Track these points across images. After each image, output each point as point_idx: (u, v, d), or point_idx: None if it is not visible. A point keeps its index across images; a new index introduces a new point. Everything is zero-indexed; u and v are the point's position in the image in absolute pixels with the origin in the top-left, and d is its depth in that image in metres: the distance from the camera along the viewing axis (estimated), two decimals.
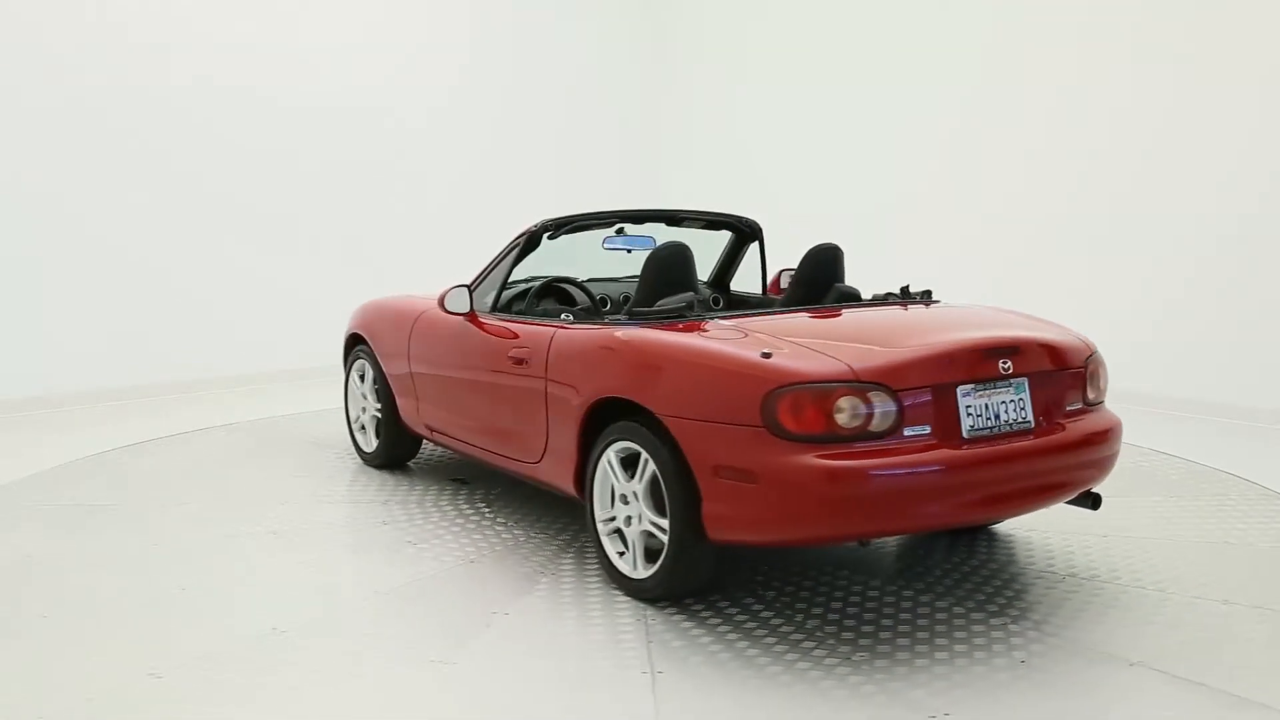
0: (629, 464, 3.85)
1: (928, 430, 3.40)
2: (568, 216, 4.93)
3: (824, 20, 9.31)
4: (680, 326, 3.91)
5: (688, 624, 3.68)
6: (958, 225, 8.33)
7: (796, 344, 3.55)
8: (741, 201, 9.24)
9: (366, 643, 3.55)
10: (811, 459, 3.26)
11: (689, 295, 4.24)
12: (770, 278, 5.60)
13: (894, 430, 3.34)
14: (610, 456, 3.90)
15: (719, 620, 3.71)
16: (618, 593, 3.94)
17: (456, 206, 9.38)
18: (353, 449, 6.02)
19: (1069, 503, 3.91)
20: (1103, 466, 3.87)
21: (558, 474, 4.26)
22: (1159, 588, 3.99)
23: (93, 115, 7.48)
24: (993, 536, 4.63)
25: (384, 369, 5.50)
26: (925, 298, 4.57)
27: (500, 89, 9.63)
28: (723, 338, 3.71)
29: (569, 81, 10.08)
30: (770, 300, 5.35)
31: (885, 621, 3.71)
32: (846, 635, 3.60)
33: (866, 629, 3.65)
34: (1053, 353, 3.80)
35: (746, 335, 3.68)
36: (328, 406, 7.35)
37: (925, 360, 3.49)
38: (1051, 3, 7.82)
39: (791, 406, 3.29)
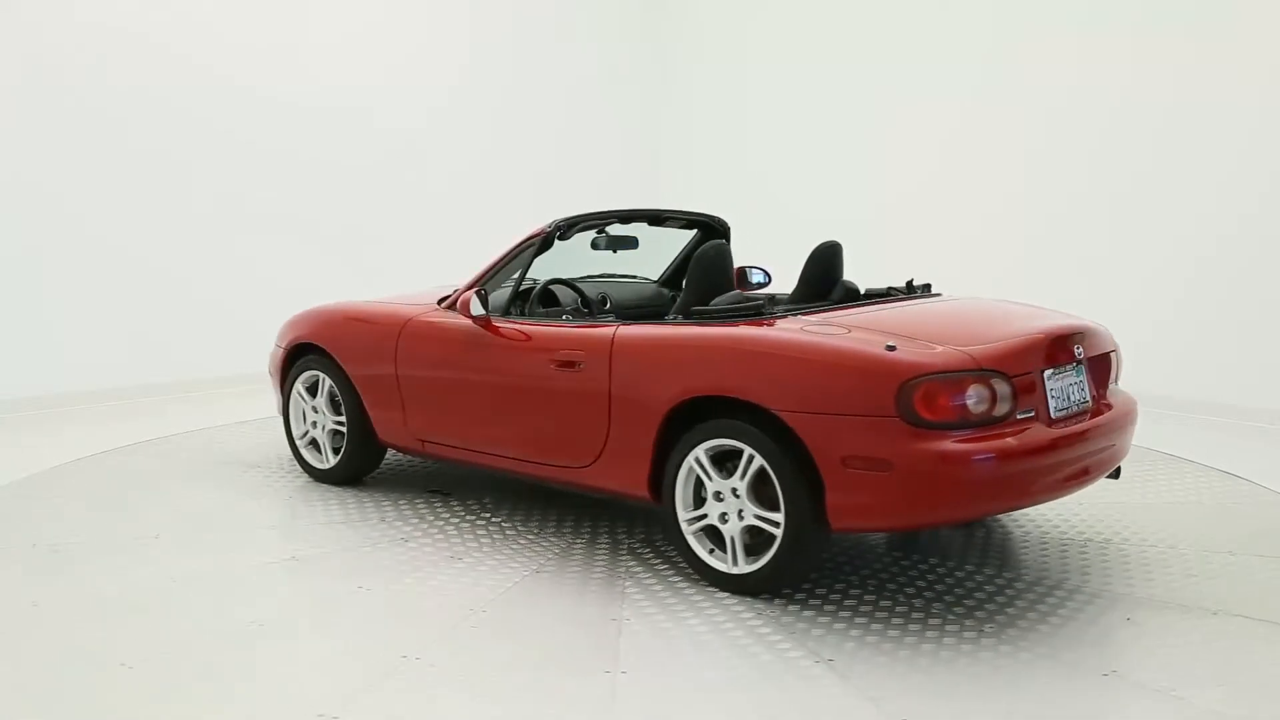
0: (717, 461, 3.93)
1: (1033, 413, 3.72)
2: (578, 216, 4.96)
3: (823, 23, 9.29)
4: (762, 323, 4.01)
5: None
6: (958, 225, 8.31)
7: (902, 337, 3.74)
8: (741, 201, 9.30)
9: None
10: (949, 445, 3.49)
11: (735, 294, 4.40)
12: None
13: (1010, 414, 3.62)
14: (699, 455, 3.95)
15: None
16: (720, 592, 3.97)
17: (456, 206, 9.34)
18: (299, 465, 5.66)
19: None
20: (1131, 440, 4.28)
21: (619, 477, 4.26)
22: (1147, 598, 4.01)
23: (92, 113, 7.47)
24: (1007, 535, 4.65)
25: (352, 380, 5.20)
26: (925, 291, 4.75)
27: (499, 89, 9.62)
28: (833, 333, 3.84)
29: (568, 82, 10.05)
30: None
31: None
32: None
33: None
34: (1098, 339, 4.22)
35: (850, 330, 3.86)
36: None
37: (1027, 347, 3.83)
38: (1050, 3, 7.80)
39: (925, 396, 3.50)
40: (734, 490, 3.87)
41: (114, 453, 6.25)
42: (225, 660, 3.44)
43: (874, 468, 3.55)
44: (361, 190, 8.87)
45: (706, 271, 4.45)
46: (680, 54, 10.62)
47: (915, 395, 3.50)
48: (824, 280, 4.73)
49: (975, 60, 8.23)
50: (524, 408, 4.55)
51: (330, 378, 5.34)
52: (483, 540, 4.61)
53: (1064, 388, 3.88)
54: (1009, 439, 3.59)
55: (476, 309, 4.63)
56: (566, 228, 4.84)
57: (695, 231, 5.65)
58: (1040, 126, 7.88)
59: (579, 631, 3.66)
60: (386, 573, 4.22)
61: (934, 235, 8.40)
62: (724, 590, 3.97)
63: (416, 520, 4.90)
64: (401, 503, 5.16)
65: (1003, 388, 3.61)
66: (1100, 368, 4.19)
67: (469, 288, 4.92)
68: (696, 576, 4.10)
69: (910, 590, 4.02)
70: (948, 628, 3.66)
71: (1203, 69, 7.00)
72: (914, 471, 3.50)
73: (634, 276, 5.77)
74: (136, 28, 7.60)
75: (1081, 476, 3.89)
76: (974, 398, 3.54)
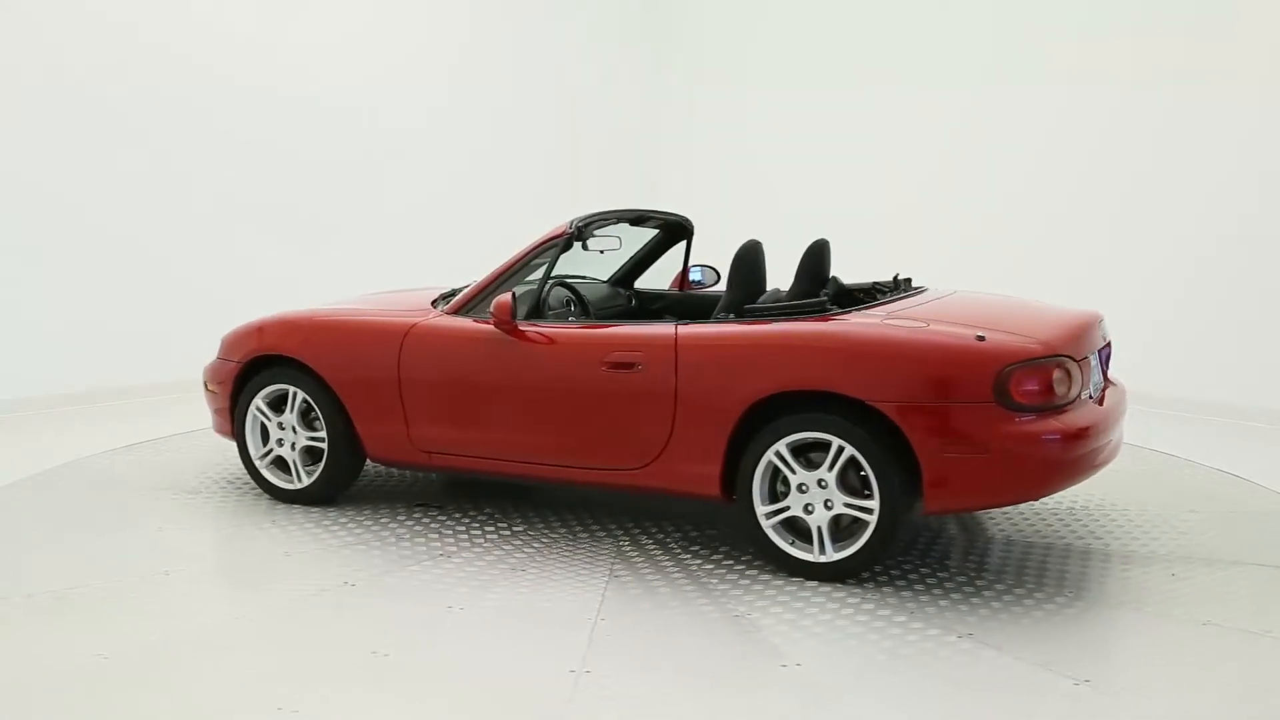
0: (797, 454, 4.05)
1: (1089, 395, 4.11)
2: (591, 215, 4.93)
3: (823, 23, 9.25)
4: (832, 319, 4.18)
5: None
6: (958, 226, 8.22)
7: (975, 328, 3.99)
8: (741, 201, 9.47)
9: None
10: (1044, 425, 3.81)
11: (774, 290, 4.59)
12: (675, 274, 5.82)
13: (1078, 396, 3.98)
14: (780, 449, 4.03)
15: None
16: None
17: (455, 206, 9.13)
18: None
19: None
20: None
21: (681, 477, 4.28)
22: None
23: (90, 112, 7.33)
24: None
25: (337, 392, 4.89)
26: (908, 285, 4.93)
27: (498, 89, 9.48)
28: (916, 327, 4.07)
29: (566, 81, 9.94)
30: (691, 295, 5.67)
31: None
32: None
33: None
34: (1104, 328, 4.59)
35: (927, 323, 4.09)
36: None
37: (1080, 333, 4.19)
38: (1049, 7, 7.77)
39: (1019, 381, 3.80)
40: (820, 481, 4.00)
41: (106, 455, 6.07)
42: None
43: (972, 451, 3.81)
44: (361, 190, 8.74)
45: (752, 270, 4.56)
46: (679, 54, 10.53)
47: (1010, 381, 3.79)
48: (817, 276, 4.87)
49: (975, 61, 8.20)
50: (568, 412, 4.47)
51: (304, 391, 4.98)
52: (476, 541, 4.61)
53: (1091, 373, 4.23)
54: (1086, 417, 3.95)
55: (518, 313, 4.51)
56: (583, 226, 4.78)
57: (656, 232, 5.70)
58: (1040, 127, 7.83)
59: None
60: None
61: (934, 236, 8.34)
62: (809, 579, 4.08)
63: (410, 525, 4.86)
64: (384, 517, 4.98)
65: (1075, 371, 3.96)
66: (1104, 356, 4.52)
67: (480, 291, 4.79)
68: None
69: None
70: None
71: (1203, 69, 6.94)
72: (1012, 452, 3.80)
73: (584, 276, 5.75)
74: (136, 26, 7.50)
75: (1107, 457, 4.22)
76: (1058, 381, 3.86)
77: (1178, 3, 7.17)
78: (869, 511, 3.94)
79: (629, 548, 4.52)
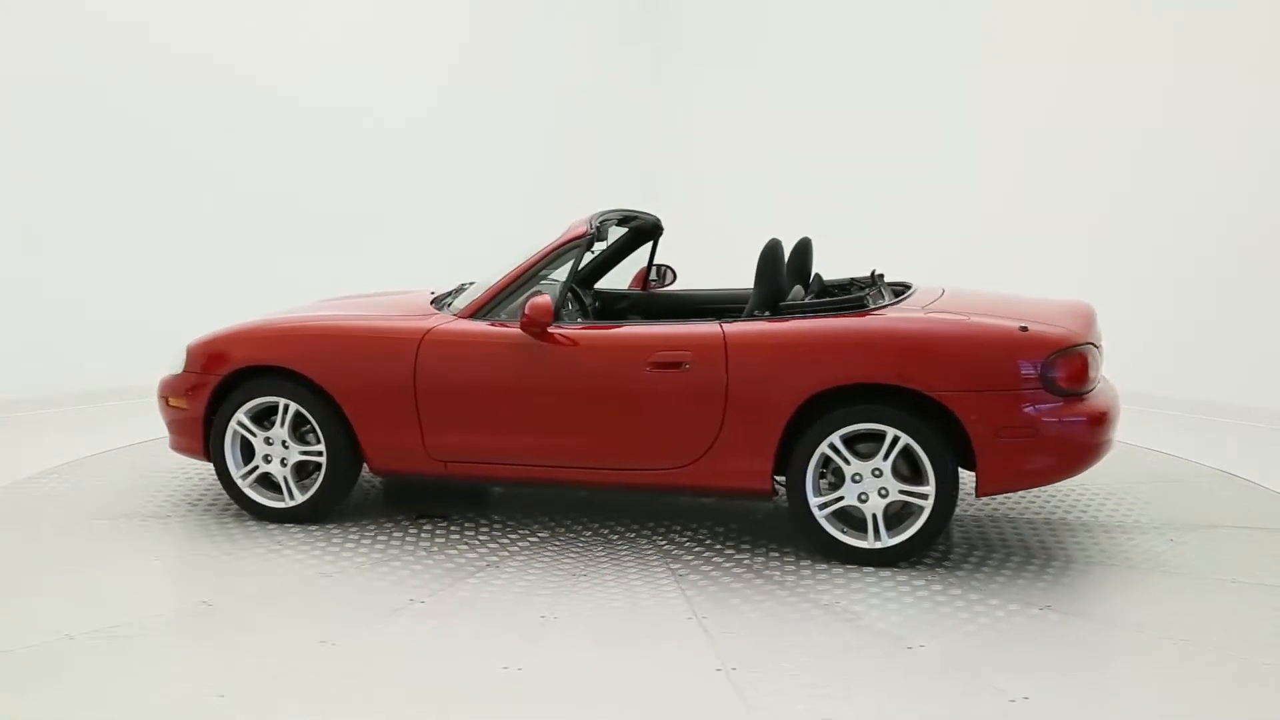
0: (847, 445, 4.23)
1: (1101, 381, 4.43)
2: (605, 212, 4.91)
3: (822, 24, 9.20)
4: (869, 314, 4.37)
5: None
6: (955, 225, 8.23)
7: (1013, 320, 4.25)
8: (740, 201, 9.47)
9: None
10: (1080, 408, 4.14)
11: (798, 289, 4.73)
12: (634, 274, 5.91)
13: (1098, 380, 4.32)
14: (834, 441, 4.19)
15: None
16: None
17: (454, 206, 9.09)
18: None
19: None
20: None
21: (728, 473, 4.35)
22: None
23: (90, 112, 7.28)
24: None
25: (341, 403, 4.61)
26: (881, 280, 5.11)
27: (497, 89, 9.35)
28: (961, 319, 4.31)
29: (564, 81, 9.79)
30: (655, 295, 5.77)
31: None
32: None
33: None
34: None
35: (968, 315, 4.34)
36: None
37: (1093, 323, 4.50)
38: (1046, 6, 7.78)
39: (1063, 367, 4.11)
40: (875, 470, 4.18)
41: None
42: (319, 679, 3.32)
43: (1023, 435, 4.10)
44: (361, 189, 8.63)
45: (777, 268, 4.64)
46: (678, 54, 10.39)
47: (1055, 367, 4.11)
48: (802, 273, 5.07)
49: (972, 61, 8.19)
50: (608, 413, 4.43)
51: (298, 404, 4.67)
52: (510, 548, 4.51)
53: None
54: (1106, 401, 4.28)
55: (546, 315, 4.39)
56: (600, 225, 4.76)
57: (625, 230, 5.71)
58: (1037, 127, 7.82)
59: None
60: (436, 584, 4.11)
61: (932, 235, 8.31)
62: (863, 565, 4.24)
63: (435, 537, 4.69)
64: (400, 531, 4.75)
65: (1098, 357, 4.31)
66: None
67: (498, 293, 4.68)
68: (741, 573, 4.23)
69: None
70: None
71: (1199, 68, 6.97)
72: (1059, 435, 4.14)
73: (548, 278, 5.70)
74: (138, 23, 7.44)
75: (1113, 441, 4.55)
76: (1091, 366, 4.20)
77: (1173, 2, 7.19)
78: (923, 497, 4.16)
79: (670, 547, 4.53)
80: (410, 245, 8.72)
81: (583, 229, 4.67)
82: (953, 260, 7.48)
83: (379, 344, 4.67)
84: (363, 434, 4.65)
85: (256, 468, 4.79)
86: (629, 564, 4.35)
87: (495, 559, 4.39)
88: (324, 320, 4.89)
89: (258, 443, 4.76)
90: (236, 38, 7.85)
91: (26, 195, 7.04)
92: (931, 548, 4.38)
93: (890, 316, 4.35)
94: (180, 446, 4.98)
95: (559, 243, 4.67)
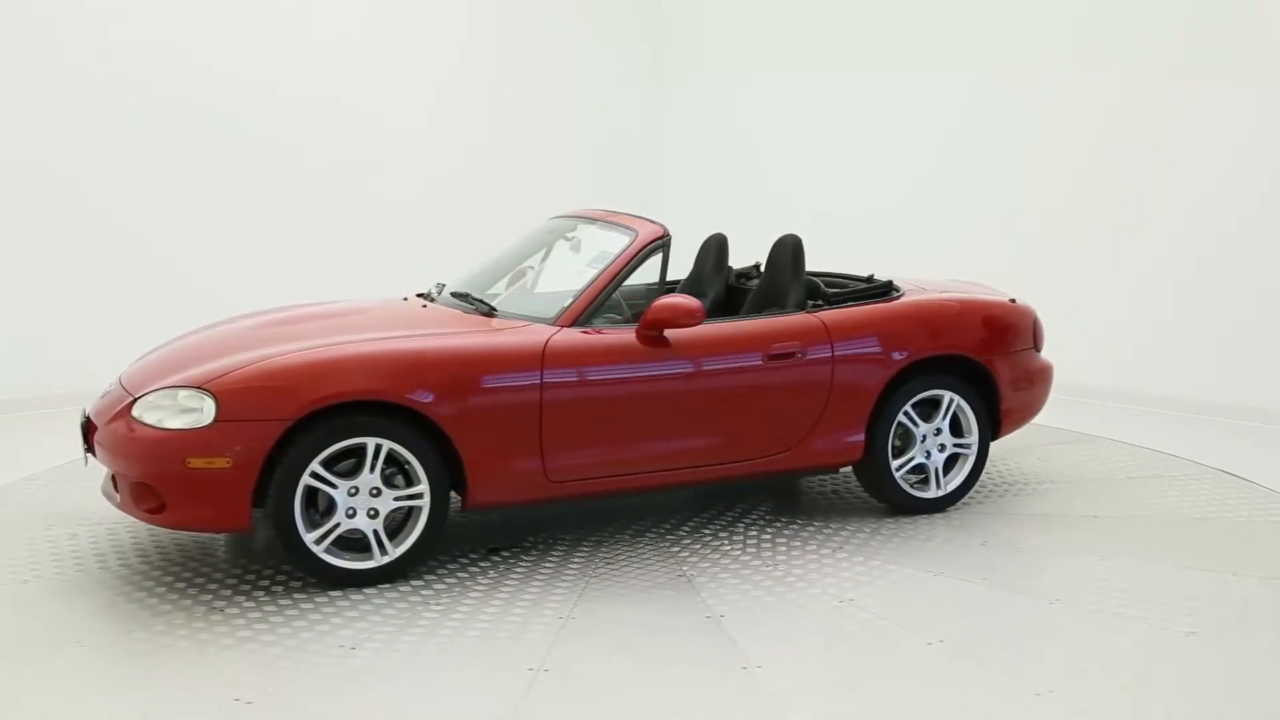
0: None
1: None
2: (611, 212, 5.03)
3: (822, 24, 8.87)
4: (894, 298, 5.01)
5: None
6: (956, 226, 8.18)
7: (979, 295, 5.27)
8: (739, 200, 9.26)
9: None
10: (1047, 363, 5.34)
11: (803, 282, 5.03)
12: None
13: None
14: (907, 409, 4.86)
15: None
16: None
17: (453, 206, 8.88)
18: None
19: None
20: None
21: (828, 451, 4.76)
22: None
23: (89, 112, 7.17)
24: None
25: (451, 434, 4.06)
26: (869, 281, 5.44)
27: (497, 89, 9.11)
28: (973, 294, 5.26)
29: (564, 81, 9.51)
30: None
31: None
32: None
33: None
34: None
35: (967, 293, 5.29)
36: None
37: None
38: (1048, 7, 7.74)
39: (1038, 328, 5.31)
40: (936, 429, 4.94)
41: None
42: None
43: (1025, 386, 5.17)
44: (361, 189, 8.48)
45: (793, 260, 5.01)
46: (677, 55, 9.83)
47: (1036, 329, 5.30)
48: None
49: (974, 62, 8.13)
50: (728, 409, 4.56)
51: (395, 442, 4.01)
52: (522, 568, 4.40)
53: None
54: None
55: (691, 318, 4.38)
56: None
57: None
58: (1039, 127, 7.79)
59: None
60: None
61: (932, 235, 8.28)
62: (926, 513, 4.95)
63: (517, 569, 4.40)
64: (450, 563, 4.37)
65: None
66: None
67: (593, 298, 4.47)
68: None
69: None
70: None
71: (1202, 69, 6.98)
72: (1042, 382, 5.30)
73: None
74: (138, 26, 7.35)
75: None
76: (1040, 328, 5.37)
77: (1177, 4, 7.18)
78: (968, 448, 5.01)
79: (679, 551, 4.57)
80: (410, 245, 8.58)
81: (659, 230, 4.65)
82: (953, 260, 7.45)
83: (498, 362, 4.20)
84: (473, 465, 4.14)
85: (337, 525, 3.99)
86: (650, 563, 4.41)
87: (505, 561, 4.38)
88: (427, 344, 4.23)
89: (339, 495, 3.97)
90: (236, 38, 7.74)
91: (26, 195, 6.97)
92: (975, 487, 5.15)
93: (921, 299, 5.05)
94: (195, 520, 3.93)
95: (640, 246, 4.59)
